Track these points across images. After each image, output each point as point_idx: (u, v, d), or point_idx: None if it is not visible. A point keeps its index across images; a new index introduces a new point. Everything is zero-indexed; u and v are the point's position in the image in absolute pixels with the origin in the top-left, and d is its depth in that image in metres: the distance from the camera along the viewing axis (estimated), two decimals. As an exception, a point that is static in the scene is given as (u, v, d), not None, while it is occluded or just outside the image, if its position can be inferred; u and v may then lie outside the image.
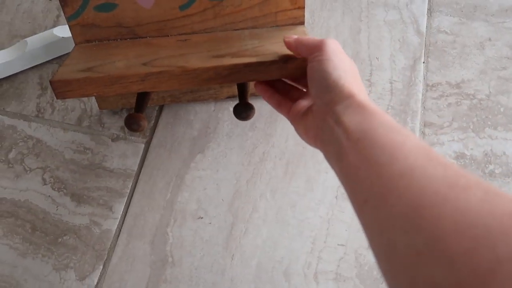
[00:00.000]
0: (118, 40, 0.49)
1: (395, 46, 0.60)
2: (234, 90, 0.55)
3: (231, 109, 0.56)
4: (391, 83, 0.58)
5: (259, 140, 0.55)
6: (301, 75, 0.44)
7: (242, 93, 0.49)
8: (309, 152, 0.54)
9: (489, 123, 0.55)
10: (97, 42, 0.49)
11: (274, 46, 0.45)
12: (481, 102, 0.57)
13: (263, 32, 0.49)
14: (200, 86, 0.44)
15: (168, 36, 0.49)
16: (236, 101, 0.48)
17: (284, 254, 0.49)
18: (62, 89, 0.43)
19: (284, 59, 0.43)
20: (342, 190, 0.52)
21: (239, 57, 0.43)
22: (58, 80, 0.42)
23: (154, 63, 0.44)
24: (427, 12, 0.63)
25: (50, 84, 0.42)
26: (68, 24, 0.48)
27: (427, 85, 0.58)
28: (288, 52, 0.43)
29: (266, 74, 0.43)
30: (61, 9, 0.47)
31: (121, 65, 0.44)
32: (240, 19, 0.49)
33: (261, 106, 0.56)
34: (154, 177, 0.53)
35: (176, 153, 0.54)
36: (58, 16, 0.63)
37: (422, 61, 0.59)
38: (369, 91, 0.57)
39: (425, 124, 0.55)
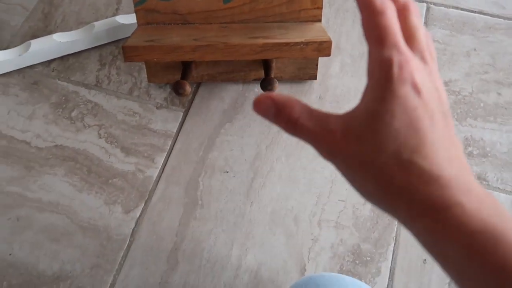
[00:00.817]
0: (172, 24, 0.62)
1: (395, 50, 0.72)
2: (260, 74, 0.67)
3: (256, 90, 0.68)
4: (390, 78, 0.69)
5: (278, 115, 0.66)
6: (316, 56, 0.56)
7: (267, 70, 0.61)
8: (319, 127, 0.65)
9: (470, 115, 0.66)
10: (155, 24, 0.62)
11: (297, 34, 0.57)
12: (465, 98, 0.68)
13: (288, 25, 0.61)
14: (237, 59, 0.56)
15: (212, 24, 0.62)
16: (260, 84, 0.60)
17: (294, 205, 0.59)
18: (131, 53, 0.55)
19: (305, 42, 0.55)
20: (344, 158, 0.62)
21: (270, 39, 0.56)
22: (129, 46, 0.54)
23: (203, 39, 0.56)
24: (424, 24, 0.75)
25: (122, 49, 0.55)
26: (134, 8, 0.60)
27: (420, 82, 0.69)
28: (307, 38, 0.55)
29: (289, 53, 0.55)
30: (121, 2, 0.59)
31: (177, 39, 0.56)
32: (270, 14, 0.61)
33: (281, 89, 0.68)
34: (190, 138, 0.64)
35: (209, 121, 0.65)
36: (117, 9, 0.76)
37: (417, 62, 0.71)
38: (371, 83, 0.69)
39: (417, 112, 0.66)
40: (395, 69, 0.20)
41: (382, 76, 0.20)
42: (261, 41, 0.55)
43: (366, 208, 0.59)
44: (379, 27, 0.21)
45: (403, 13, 0.22)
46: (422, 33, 0.22)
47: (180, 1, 0.60)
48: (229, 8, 0.61)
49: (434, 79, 0.22)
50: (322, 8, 0.61)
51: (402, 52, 0.20)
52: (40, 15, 0.75)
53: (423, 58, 0.22)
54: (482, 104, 0.67)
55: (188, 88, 0.59)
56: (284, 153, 0.63)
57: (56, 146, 0.63)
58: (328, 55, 0.56)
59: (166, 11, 0.61)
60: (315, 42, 0.55)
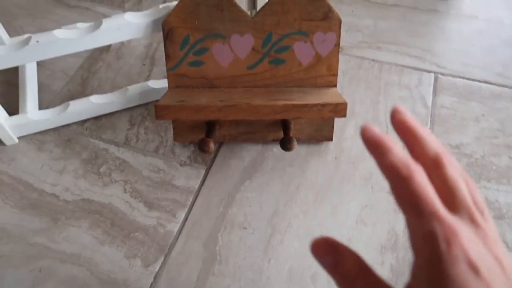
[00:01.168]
0: (200, 88, 0.67)
1: (407, 115, 0.76)
2: (278, 135, 0.71)
3: (275, 149, 0.71)
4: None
5: (295, 174, 0.68)
6: (332, 117, 0.60)
7: (286, 131, 0.65)
8: (335, 186, 0.67)
9: (483, 177, 0.68)
10: (184, 88, 0.67)
11: (314, 97, 0.62)
12: (477, 160, 0.70)
13: (306, 90, 0.66)
14: (259, 118, 0.60)
15: (236, 87, 0.67)
16: (278, 144, 0.64)
17: (312, 262, 0.59)
18: (162, 112, 0.60)
19: (322, 104, 0.59)
20: (361, 216, 0.64)
21: (290, 101, 0.60)
22: (161, 105, 0.59)
23: (228, 100, 0.61)
24: (432, 92, 0.80)
25: (155, 108, 0.60)
26: (167, 73, 0.66)
27: (433, 145, 0.72)
28: (324, 100, 0.60)
29: (308, 114, 0.60)
30: (163, 64, 0.66)
31: (205, 100, 0.61)
32: (289, 79, 0.67)
33: (299, 150, 0.71)
34: (211, 194, 0.66)
35: (229, 178, 0.68)
36: (148, 76, 0.83)
37: (428, 127, 0.74)
38: (385, 145, 0.72)
39: (431, 174, 0.68)
40: (443, 246, 0.17)
41: (429, 255, 0.17)
42: (281, 102, 0.59)
43: (385, 268, 0.59)
44: (410, 195, 0.18)
45: (436, 169, 0.19)
46: (463, 188, 0.19)
47: (208, 67, 0.66)
48: (253, 74, 0.67)
49: (492, 245, 0.18)
50: (337, 75, 0.67)
51: (444, 222, 0.17)
52: (79, 80, 0.83)
53: (472, 220, 0.19)
54: (494, 167, 0.69)
55: (212, 146, 0.62)
56: (301, 210, 0.64)
57: (83, 199, 0.66)
58: (344, 116, 0.60)
59: (195, 76, 0.67)
60: (332, 104, 0.59)
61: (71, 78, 0.83)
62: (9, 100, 0.79)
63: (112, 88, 0.81)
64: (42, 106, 0.79)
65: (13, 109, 0.76)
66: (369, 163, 0.69)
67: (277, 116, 0.60)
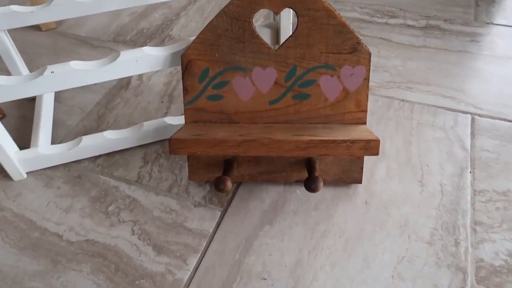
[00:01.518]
0: (218, 123, 0.63)
1: (443, 157, 0.69)
2: (302, 175, 0.65)
3: (298, 192, 0.65)
4: (441, 185, 0.65)
5: (321, 219, 0.62)
6: (363, 155, 0.54)
7: (311, 170, 0.59)
8: (367, 234, 0.59)
9: (538, 228, 0.59)
10: (202, 123, 0.63)
11: (343, 133, 0.57)
12: (528, 209, 0.62)
13: (332, 126, 0.61)
14: (282, 155, 0.55)
15: (257, 123, 0.63)
16: (302, 186, 0.58)
17: (341, 322, 0.51)
18: (177, 145, 0.55)
19: (352, 140, 0.54)
20: (398, 270, 0.55)
21: (315, 136, 0.55)
22: (176, 138, 0.55)
23: (248, 135, 0.56)
24: (470, 134, 0.73)
25: (169, 141, 0.55)
26: (184, 107, 0.63)
27: (475, 190, 0.64)
28: (353, 137, 0.54)
29: (335, 151, 0.54)
30: (181, 101, 0.62)
31: (222, 134, 0.57)
32: (314, 115, 0.62)
33: (324, 192, 0.65)
34: (226, 239, 0.60)
35: (247, 222, 0.62)
36: (166, 113, 0.80)
37: (469, 171, 0.67)
38: (421, 190, 0.65)
39: (476, 223, 0.60)
40: None
41: None
42: (306, 138, 0.54)
43: (429, 332, 0.50)
44: None
45: None
46: None
47: (228, 101, 0.62)
48: (275, 109, 0.62)
49: None
50: (366, 111, 0.62)
51: None
52: (95, 116, 0.80)
53: None
54: (550, 217, 0.60)
55: (229, 184, 0.57)
56: (329, 260, 0.57)
57: (87, 240, 0.61)
58: (376, 154, 0.54)
59: (214, 110, 0.63)
60: (362, 140, 0.54)
61: (87, 114, 0.81)
62: (22, 135, 0.77)
63: (128, 125, 0.77)
64: (55, 141, 0.76)
65: (25, 144, 0.74)
66: (405, 209, 0.62)
67: (301, 153, 0.54)
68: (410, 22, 1.01)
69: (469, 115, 0.76)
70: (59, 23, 1.07)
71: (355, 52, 0.59)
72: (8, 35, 0.77)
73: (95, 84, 0.87)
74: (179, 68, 0.63)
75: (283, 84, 0.61)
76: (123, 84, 0.87)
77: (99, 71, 0.61)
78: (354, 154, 0.54)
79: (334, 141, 0.54)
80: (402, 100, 0.80)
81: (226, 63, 0.61)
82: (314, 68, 0.60)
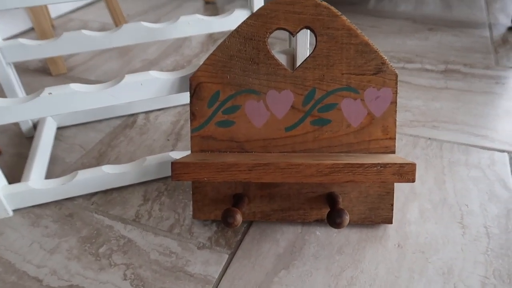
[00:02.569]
0: (228, 152, 0.56)
1: (484, 197, 0.61)
2: (323, 213, 0.56)
3: (318, 233, 0.56)
4: (485, 227, 0.56)
5: (346, 264, 0.52)
6: (397, 181, 0.46)
7: (334, 204, 0.51)
8: (403, 282, 0.49)
9: None
10: (209, 152, 0.57)
11: (370, 159, 0.49)
12: None
13: (357, 155, 0.54)
14: (301, 181, 0.47)
15: (271, 153, 0.56)
16: (324, 225, 0.50)
17: None
18: (180, 170, 0.48)
19: (383, 164, 0.46)
20: (446, 327, 0.45)
21: (339, 160, 0.48)
22: (179, 162, 0.48)
23: (261, 159, 0.49)
24: (511, 173, 0.65)
25: (171, 166, 0.48)
26: (191, 135, 0.57)
27: (527, 234, 0.55)
28: (386, 161, 0.47)
29: (364, 176, 0.46)
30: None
31: (232, 158, 0.50)
32: (336, 143, 0.55)
33: (349, 234, 0.56)
34: (234, 286, 0.50)
35: (259, 266, 0.52)
36: (172, 150, 0.74)
37: (516, 212, 0.58)
38: (463, 232, 0.55)
39: (535, 271, 0.50)
40: None
41: None
42: (330, 161, 0.47)
43: None
44: None
45: None
46: None
47: (239, 128, 0.56)
48: (291, 137, 0.56)
49: None
50: (395, 138, 0.55)
51: None
52: (96, 153, 0.75)
53: None
54: None
55: (239, 218, 0.49)
56: (359, 314, 0.46)
57: (70, 286, 0.51)
58: (413, 180, 0.46)
59: (223, 138, 0.56)
60: (395, 164, 0.46)
61: (87, 152, 0.75)
62: (15, 172, 0.71)
63: (130, 162, 0.71)
64: (50, 177, 0.69)
65: (16, 181, 0.67)
66: (446, 254, 0.52)
67: (324, 179, 0.46)
68: (428, 67, 0.97)
69: (506, 153, 0.69)
70: (70, 68, 1.06)
71: (380, 73, 0.54)
72: (13, 68, 0.75)
73: (99, 122, 0.83)
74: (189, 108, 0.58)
75: (300, 109, 0.55)
76: (129, 123, 0.83)
77: (101, 94, 0.56)
78: (387, 180, 0.46)
79: (362, 165, 0.46)
80: (429, 138, 0.74)
81: (238, 86, 0.56)
82: (335, 91, 0.55)
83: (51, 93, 0.55)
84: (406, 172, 0.46)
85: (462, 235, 0.55)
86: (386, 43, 1.09)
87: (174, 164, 0.48)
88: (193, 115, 0.57)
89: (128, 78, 0.57)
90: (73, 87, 0.56)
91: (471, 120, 0.78)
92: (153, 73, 0.58)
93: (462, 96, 0.85)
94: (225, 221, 0.49)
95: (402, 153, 0.71)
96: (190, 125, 0.57)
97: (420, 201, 0.60)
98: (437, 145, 0.72)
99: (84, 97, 0.56)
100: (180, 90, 0.60)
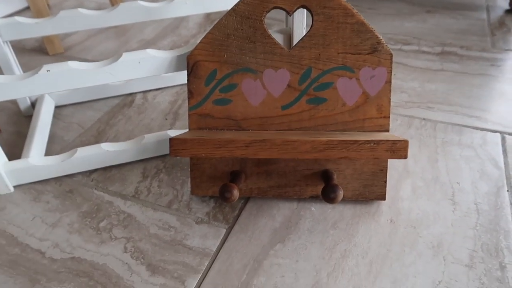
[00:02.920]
0: (225, 130, 0.57)
1: (475, 175, 0.62)
2: (318, 190, 0.58)
3: (313, 209, 0.58)
4: (476, 204, 0.58)
5: (340, 238, 0.54)
6: (389, 158, 0.48)
7: (328, 179, 0.52)
8: (395, 255, 0.51)
9: None
10: (207, 129, 0.58)
11: (364, 137, 0.51)
12: None
13: (352, 133, 0.55)
14: (296, 157, 0.48)
15: (267, 130, 0.57)
16: (319, 201, 0.51)
17: None
18: (178, 146, 0.49)
19: (376, 141, 0.47)
20: (434, 296, 0.47)
21: (335, 137, 0.49)
22: (177, 138, 0.49)
23: (258, 136, 0.50)
24: (503, 153, 0.66)
25: (169, 141, 0.49)
26: (188, 113, 0.58)
27: (515, 210, 0.57)
28: (379, 138, 0.48)
29: (357, 153, 0.48)
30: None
31: (229, 135, 0.51)
32: (331, 122, 0.56)
33: (343, 210, 0.57)
34: (232, 258, 0.52)
35: (256, 240, 0.54)
36: (170, 129, 0.75)
37: (506, 189, 0.60)
38: (454, 208, 0.57)
39: (521, 245, 0.52)
40: None
41: None
42: (324, 138, 0.48)
43: None
44: None
45: None
46: None
47: (236, 106, 0.57)
48: (287, 115, 0.57)
49: None
50: (389, 117, 0.56)
51: None
52: (94, 132, 0.75)
53: None
54: None
55: (236, 193, 0.50)
56: (350, 284, 0.48)
57: (72, 258, 0.53)
58: (405, 157, 0.48)
59: (221, 116, 0.57)
60: (388, 141, 0.47)
61: (86, 130, 0.76)
62: (15, 149, 0.72)
63: (128, 140, 0.72)
64: (48, 155, 0.70)
65: (16, 158, 0.68)
66: (436, 229, 0.54)
67: (318, 155, 0.48)
68: (425, 49, 0.98)
69: (499, 134, 0.70)
70: (67, 48, 1.06)
71: (375, 52, 0.55)
72: (10, 47, 0.75)
73: (97, 101, 0.84)
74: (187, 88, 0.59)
75: (296, 87, 0.56)
76: (127, 102, 0.83)
77: (99, 71, 0.57)
78: (380, 156, 0.47)
79: (355, 141, 0.47)
80: (424, 119, 0.75)
81: (235, 65, 0.56)
82: (331, 70, 0.56)
83: (49, 70, 0.55)
84: (399, 149, 0.48)
85: (453, 211, 0.57)
86: (384, 25, 1.10)
87: (172, 140, 0.49)
88: (190, 94, 0.57)
89: (126, 56, 0.57)
90: (71, 64, 0.56)
91: (466, 101, 0.79)
92: (151, 51, 0.58)
93: (457, 78, 0.86)
94: (223, 195, 0.50)
95: (397, 133, 0.72)
96: (188, 103, 0.58)
97: (413, 179, 0.62)
98: (431, 125, 0.73)
99: (82, 74, 0.57)
100: (177, 68, 0.60)
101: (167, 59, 0.59)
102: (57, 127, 0.77)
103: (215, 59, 0.56)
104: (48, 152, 0.71)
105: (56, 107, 0.83)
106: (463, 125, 0.73)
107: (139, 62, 0.58)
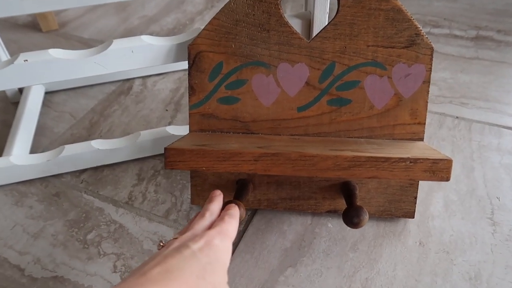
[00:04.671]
0: (231, 133, 0.50)
1: (517, 189, 0.54)
2: (336, 204, 0.50)
3: (330, 225, 0.51)
4: (519, 225, 0.50)
5: (361, 263, 0.47)
6: (428, 179, 0.40)
7: (350, 198, 0.44)
8: (424, 286, 0.44)
9: None
10: (210, 132, 0.50)
11: (397, 150, 0.42)
12: None
13: (380, 142, 0.47)
14: (314, 175, 0.40)
15: (280, 135, 0.49)
16: (337, 217, 0.43)
17: None
18: (174, 158, 0.42)
19: (413, 159, 0.39)
20: None
21: (361, 152, 0.41)
22: (173, 148, 0.41)
23: (269, 147, 0.42)
24: None
25: (164, 151, 0.42)
26: (189, 112, 0.50)
27: None
28: (415, 155, 0.40)
29: (389, 172, 0.40)
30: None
31: (236, 145, 0.43)
32: (356, 127, 0.48)
33: (364, 228, 0.50)
34: (235, 284, 0.45)
35: (264, 263, 0.47)
36: (170, 123, 0.67)
37: (554, 208, 0.52)
38: (493, 230, 0.49)
39: None
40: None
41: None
42: (348, 153, 0.40)
43: None
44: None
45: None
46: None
47: (245, 106, 0.49)
48: (304, 118, 0.49)
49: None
50: (424, 123, 0.47)
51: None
52: (87, 123, 0.68)
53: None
54: None
55: (243, 212, 0.43)
56: (373, 323, 0.41)
57: (55, 277, 0.47)
58: (447, 179, 0.40)
59: (226, 116, 0.49)
60: (428, 159, 0.39)
61: (78, 121, 0.69)
62: (0, 141, 0.65)
63: (124, 135, 0.65)
64: (36, 150, 0.63)
65: (0, 150, 0.61)
66: (473, 255, 0.47)
67: (341, 174, 0.40)
68: (457, 32, 0.87)
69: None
70: (62, 24, 0.97)
71: (412, 46, 0.46)
72: (-7, 26, 0.67)
73: (92, 87, 0.76)
74: (186, 63, 0.50)
75: (316, 86, 0.48)
76: (124, 89, 0.75)
77: (85, 62, 0.49)
78: (416, 178, 0.39)
79: (387, 159, 0.39)
80: (457, 117, 0.66)
81: (245, 57, 0.48)
82: (358, 66, 0.47)
83: (27, 60, 0.47)
84: (440, 170, 0.39)
85: (492, 234, 0.49)
86: (410, 3, 0.98)
87: (168, 150, 0.41)
88: (192, 90, 0.49)
89: (117, 44, 0.49)
90: (53, 53, 0.48)
91: (505, 97, 0.70)
92: (146, 38, 0.50)
93: (494, 68, 0.76)
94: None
95: (426, 134, 0.63)
96: (189, 101, 0.49)
97: (445, 192, 0.54)
98: (465, 125, 0.64)
99: (65, 65, 0.49)
100: (177, 58, 0.52)
101: (165, 47, 0.50)
102: (46, 117, 0.70)
103: (221, 50, 0.48)
104: (35, 146, 0.64)
105: (47, 93, 0.75)
106: (503, 125, 0.64)
107: (132, 51, 0.50)
